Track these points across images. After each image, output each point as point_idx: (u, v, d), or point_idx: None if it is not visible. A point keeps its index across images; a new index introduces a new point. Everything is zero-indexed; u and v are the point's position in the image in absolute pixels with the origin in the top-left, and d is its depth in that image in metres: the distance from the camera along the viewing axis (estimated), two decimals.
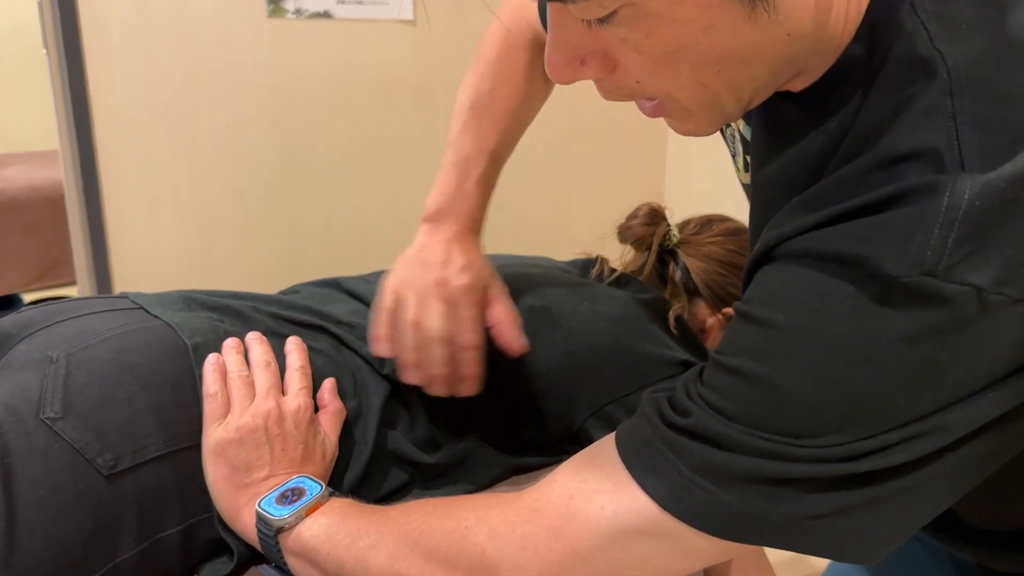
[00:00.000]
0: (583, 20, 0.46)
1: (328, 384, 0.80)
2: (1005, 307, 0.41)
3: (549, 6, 0.46)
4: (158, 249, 1.68)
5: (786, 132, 0.54)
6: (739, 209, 1.12)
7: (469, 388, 0.82)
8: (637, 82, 0.48)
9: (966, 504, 0.53)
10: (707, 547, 0.51)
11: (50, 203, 2.17)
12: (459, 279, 0.80)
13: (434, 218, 0.86)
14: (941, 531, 0.68)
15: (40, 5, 1.51)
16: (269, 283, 1.80)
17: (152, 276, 1.67)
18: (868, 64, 0.47)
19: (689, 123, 0.52)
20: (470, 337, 0.80)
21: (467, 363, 0.81)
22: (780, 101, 0.54)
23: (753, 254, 0.52)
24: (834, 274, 0.44)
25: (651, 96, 0.50)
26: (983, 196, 0.40)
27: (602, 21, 0.45)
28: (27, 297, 2.65)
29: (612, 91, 0.51)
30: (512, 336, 0.83)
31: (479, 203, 0.88)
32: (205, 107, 1.65)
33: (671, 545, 0.51)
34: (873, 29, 0.47)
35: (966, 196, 0.40)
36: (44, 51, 1.54)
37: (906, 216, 0.42)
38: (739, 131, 0.67)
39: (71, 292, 2.71)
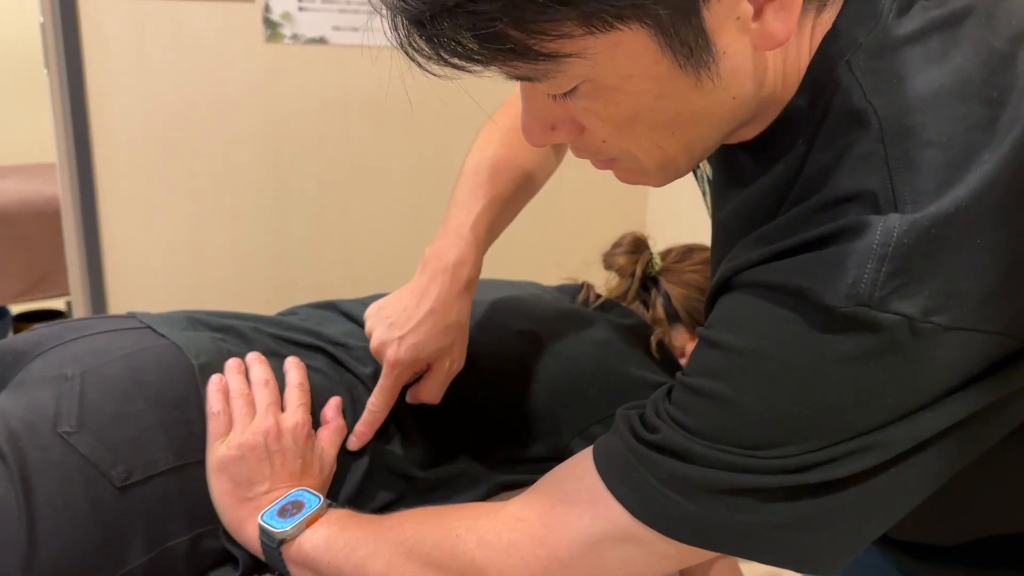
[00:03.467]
0: (550, 95, 0.51)
1: (334, 402, 0.84)
2: (935, 334, 0.45)
3: (520, 83, 0.51)
4: (152, 264, 1.71)
5: (740, 177, 0.59)
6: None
7: (354, 443, 0.84)
8: (603, 142, 0.54)
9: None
10: (676, 553, 0.55)
11: (40, 217, 2.19)
12: (391, 352, 0.82)
13: (423, 263, 0.85)
14: (885, 544, 0.73)
15: (43, 26, 1.55)
16: (260, 299, 1.84)
17: (146, 291, 1.70)
18: (810, 115, 0.52)
19: (642, 176, 0.57)
20: (372, 401, 0.84)
21: (362, 421, 0.84)
22: (734, 150, 0.59)
23: (713, 284, 0.57)
24: (781, 303, 0.49)
25: (615, 156, 0.56)
26: (910, 234, 0.44)
27: (566, 95, 0.50)
28: (14, 309, 2.66)
29: (582, 150, 0.57)
30: (421, 399, 0.86)
31: (471, 249, 0.85)
32: (202, 127, 1.69)
33: (643, 551, 0.56)
34: (815, 84, 0.52)
35: (895, 234, 0.44)
36: (45, 70, 1.58)
37: (842, 252, 0.46)
38: (707, 174, 0.72)
39: (58, 305, 2.72)
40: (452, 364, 0.86)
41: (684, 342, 1.10)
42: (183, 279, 1.75)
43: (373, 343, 0.84)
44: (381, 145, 1.86)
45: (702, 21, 0.46)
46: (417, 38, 0.46)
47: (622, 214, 2.16)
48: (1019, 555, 0.65)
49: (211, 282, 1.76)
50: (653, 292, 1.11)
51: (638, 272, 1.11)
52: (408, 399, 0.88)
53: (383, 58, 1.77)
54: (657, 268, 1.12)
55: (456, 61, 0.47)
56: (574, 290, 1.13)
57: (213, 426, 0.76)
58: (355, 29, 1.76)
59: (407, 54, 0.48)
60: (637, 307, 1.10)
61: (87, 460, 0.70)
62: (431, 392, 0.86)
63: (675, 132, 0.52)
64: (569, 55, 0.46)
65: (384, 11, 0.47)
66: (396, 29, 0.47)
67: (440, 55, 0.47)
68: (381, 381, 0.83)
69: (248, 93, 1.71)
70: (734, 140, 0.58)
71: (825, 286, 0.46)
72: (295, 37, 1.72)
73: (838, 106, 0.50)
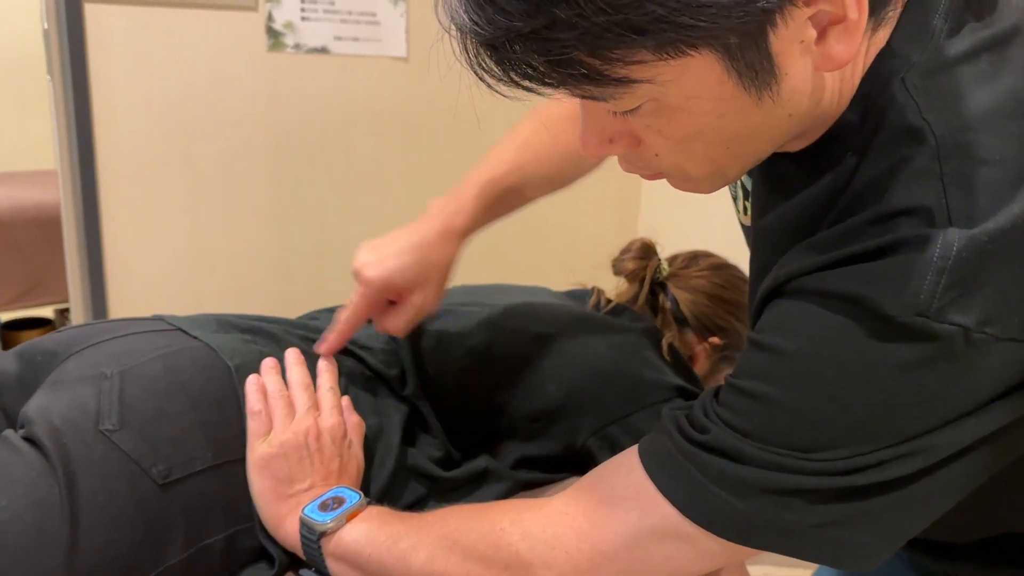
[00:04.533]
0: (612, 111, 0.53)
1: (344, 400, 0.85)
2: (987, 344, 0.47)
3: (582, 99, 0.53)
4: (153, 273, 1.72)
5: (784, 186, 0.61)
6: (709, 238, 1.21)
7: (319, 347, 0.87)
8: (656, 155, 0.56)
9: None
10: (721, 550, 0.57)
11: (34, 224, 2.19)
12: (368, 271, 0.85)
13: (428, 210, 0.89)
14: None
15: (46, 32, 1.55)
16: (262, 308, 1.83)
17: (147, 299, 1.70)
18: (861, 130, 0.54)
19: (689, 185, 0.59)
20: (341, 313, 0.87)
21: (330, 330, 0.87)
22: (777, 159, 0.61)
23: (763, 289, 0.58)
24: (838, 310, 0.50)
25: (663, 170, 0.58)
26: (968, 248, 0.46)
27: (628, 112, 0.52)
28: (2, 317, 2.64)
29: (634, 163, 0.58)
30: (385, 328, 0.88)
31: (471, 202, 0.88)
32: (204, 135, 1.70)
33: (689, 548, 0.57)
34: (867, 100, 0.54)
35: (954, 248, 0.46)
36: (48, 77, 1.58)
37: (901, 263, 0.48)
38: (741, 179, 0.75)
39: (47, 313, 2.70)
40: (423, 301, 0.86)
41: (692, 346, 1.13)
42: (185, 287, 1.75)
43: (354, 264, 0.85)
44: (382, 154, 1.88)
45: (768, 45, 0.48)
46: (487, 59, 0.48)
47: (615, 219, 2.19)
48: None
49: (213, 291, 1.77)
50: (661, 297, 1.14)
51: (647, 277, 1.14)
52: (376, 328, 0.89)
53: (385, 68, 1.80)
54: (665, 274, 1.15)
55: (526, 83, 0.48)
56: (585, 295, 1.15)
57: (253, 425, 0.77)
58: (357, 39, 1.78)
59: (475, 73, 0.49)
60: (647, 312, 1.13)
61: (129, 457, 0.71)
62: (396, 323, 0.86)
63: (730, 147, 0.55)
64: (639, 80, 0.48)
65: (453, 31, 0.48)
66: (466, 50, 0.48)
67: (510, 77, 0.48)
68: (353, 297, 0.85)
69: (251, 102, 1.72)
70: (780, 150, 0.60)
71: (884, 296, 0.48)
72: (297, 47, 1.73)
73: (893, 122, 0.52)
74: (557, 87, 0.48)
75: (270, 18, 1.70)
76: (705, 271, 1.15)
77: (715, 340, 1.12)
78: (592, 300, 1.13)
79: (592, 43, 0.45)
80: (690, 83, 0.49)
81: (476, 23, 0.46)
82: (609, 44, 0.45)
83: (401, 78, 1.83)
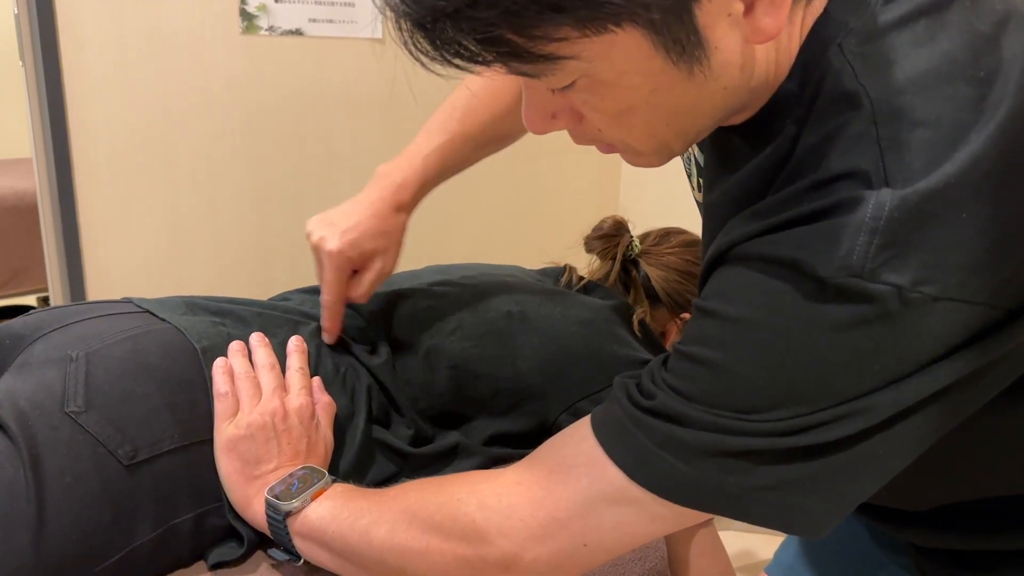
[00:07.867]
0: (549, 88, 0.54)
1: (315, 381, 0.86)
2: (924, 304, 0.47)
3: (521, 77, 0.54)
4: (131, 258, 1.71)
5: (731, 161, 0.62)
6: (687, 219, 1.21)
7: (328, 339, 0.92)
8: (599, 130, 0.57)
9: None
10: (669, 514, 0.58)
11: (13, 212, 2.18)
12: (331, 244, 0.90)
13: (374, 177, 0.97)
14: (858, 509, 0.77)
15: (17, 18, 1.54)
16: (240, 292, 1.84)
17: (125, 285, 1.70)
18: (800, 98, 0.54)
19: (640, 159, 0.60)
20: (323, 296, 0.92)
21: (324, 317, 0.92)
22: (726, 133, 0.62)
23: (707, 257, 0.59)
24: (775, 275, 0.51)
25: (611, 143, 0.59)
26: (900, 209, 0.47)
27: (565, 88, 0.53)
28: None
29: (580, 137, 0.59)
30: (350, 297, 0.93)
31: (417, 176, 0.96)
32: (179, 120, 1.69)
33: (638, 512, 0.58)
34: (805, 68, 0.54)
35: (886, 208, 0.47)
36: (20, 63, 1.57)
37: (835, 226, 0.48)
38: (694, 155, 0.75)
39: (30, 301, 2.70)
40: (385, 265, 0.94)
41: (664, 322, 1.14)
42: (163, 273, 1.75)
43: (313, 239, 0.91)
44: (358, 136, 1.88)
45: (694, 19, 0.48)
46: (421, 39, 0.49)
47: (596, 200, 2.20)
48: (984, 520, 0.69)
49: (192, 274, 1.77)
50: (633, 274, 1.14)
51: (619, 255, 1.14)
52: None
53: (360, 50, 1.79)
54: (637, 251, 1.15)
55: (458, 62, 0.49)
56: (557, 273, 1.16)
57: (220, 407, 0.78)
58: (331, 21, 1.77)
59: (411, 54, 0.49)
60: (618, 289, 1.14)
61: (95, 439, 0.72)
62: (360, 289, 0.93)
63: (669, 122, 0.55)
64: (566, 56, 0.49)
65: (388, 13, 0.49)
66: (400, 30, 0.49)
67: (443, 55, 0.49)
68: (325, 275, 0.91)
69: (225, 85, 1.71)
70: (726, 124, 0.61)
71: (818, 258, 0.49)
72: (271, 29, 1.72)
73: (829, 88, 0.52)
74: (488, 64, 0.49)
75: (243, 0, 1.69)
76: (677, 248, 1.16)
77: (687, 316, 1.12)
78: (564, 278, 1.14)
79: (514, 21, 0.46)
80: (619, 59, 0.49)
81: (405, 3, 0.47)
82: (531, 22, 0.46)
83: (377, 59, 1.82)
